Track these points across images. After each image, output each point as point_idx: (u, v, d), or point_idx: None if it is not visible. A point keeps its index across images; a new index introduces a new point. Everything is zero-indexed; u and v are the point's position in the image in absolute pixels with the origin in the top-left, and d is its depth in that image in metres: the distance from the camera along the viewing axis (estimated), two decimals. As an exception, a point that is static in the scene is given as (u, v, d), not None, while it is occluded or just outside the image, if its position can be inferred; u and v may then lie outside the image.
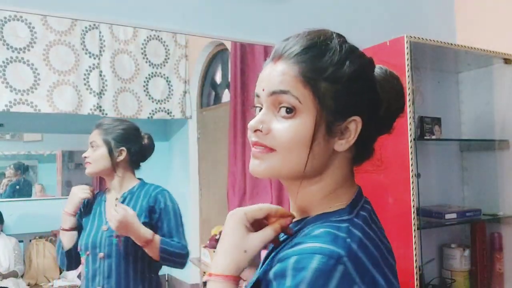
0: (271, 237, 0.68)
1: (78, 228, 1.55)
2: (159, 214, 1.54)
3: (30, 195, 1.99)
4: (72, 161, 2.06)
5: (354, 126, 0.66)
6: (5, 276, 1.81)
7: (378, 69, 0.74)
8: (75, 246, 1.54)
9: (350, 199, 0.69)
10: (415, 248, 1.70)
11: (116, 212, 1.39)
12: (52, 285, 1.89)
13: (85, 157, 1.54)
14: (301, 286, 0.56)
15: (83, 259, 1.52)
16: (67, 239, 1.53)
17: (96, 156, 1.53)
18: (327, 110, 0.64)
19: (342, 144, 0.67)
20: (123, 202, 1.53)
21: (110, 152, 1.53)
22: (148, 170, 1.82)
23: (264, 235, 0.67)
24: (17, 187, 1.98)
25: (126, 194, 1.56)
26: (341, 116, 0.65)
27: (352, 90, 0.66)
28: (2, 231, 1.89)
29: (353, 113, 0.66)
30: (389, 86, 0.71)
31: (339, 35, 0.74)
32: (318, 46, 0.68)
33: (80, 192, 1.54)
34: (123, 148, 1.54)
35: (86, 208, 1.58)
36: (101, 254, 1.48)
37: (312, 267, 0.56)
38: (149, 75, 1.74)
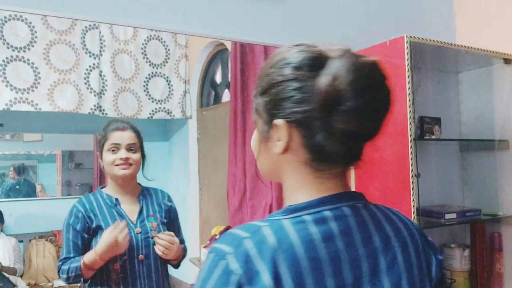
0: None
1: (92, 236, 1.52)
2: (171, 214, 1.65)
3: (31, 196, 1.99)
4: (72, 161, 2.06)
5: (276, 130, 0.68)
6: (3, 270, 1.81)
7: (337, 64, 0.65)
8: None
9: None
10: (415, 248, 1.69)
11: (162, 240, 1.49)
12: (52, 285, 1.89)
13: (126, 158, 1.53)
14: (197, 283, 0.63)
15: (117, 265, 1.48)
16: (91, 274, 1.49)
17: (137, 159, 1.57)
18: (261, 120, 0.72)
19: (277, 146, 0.69)
20: (141, 206, 1.59)
21: (143, 157, 1.60)
22: (148, 170, 1.82)
23: None
24: (17, 187, 1.98)
25: (140, 197, 1.61)
26: (267, 123, 0.70)
27: (272, 97, 0.69)
28: (2, 231, 1.89)
29: (277, 117, 0.68)
30: (346, 82, 0.63)
31: (290, 47, 0.73)
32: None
33: (120, 235, 1.45)
34: (144, 150, 1.61)
35: (92, 215, 1.53)
36: (141, 257, 1.51)
37: (205, 265, 0.63)
38: (149, 75, 1.74)
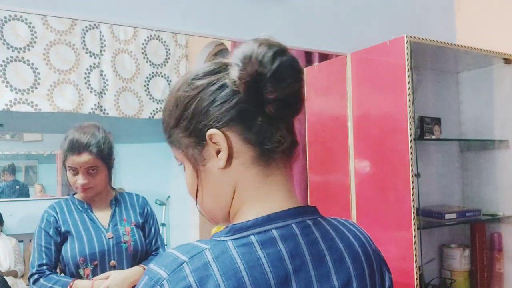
0: None
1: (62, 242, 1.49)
2: (146, 218, 1.61)
3: (23, 196, 1.98)
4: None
5: (211, 144, 0.64)
6: (4, 275, 1.81)
7: (240, 50, 0.65)
8: None
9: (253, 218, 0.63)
10: (415, 248, 1.70)
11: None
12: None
13: (84, 184, 1.47)
14: None
15: (87, 270, 1.46)
16: None
17: (98, 182, 1.51)
18: (188, 150, 0.67)
19: (221, 159, 0.64)
20: (114, 210, 1.56)
21: (110, 170, 1.55)
22: (149, 171, 1.83)
23: None
24: (17, 187, 1.98)
25: (113, 202, 1.58)
26: (198, 143, 0.65)
27: (191, 116, 0.65)
28: (1, 231, 1.89)
29: (207, 129, 0.64)
30: (257, 60, 0.62)
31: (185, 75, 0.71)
32: None
33: None
34: (113, 158, 1.56)
35: (62, 221, 1.50)
36: (112, 262, 1.49)
37: (139, 287, 0.59)
38: (149, 74, 1.74)
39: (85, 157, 1.46)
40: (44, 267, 1.44)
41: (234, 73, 0.63)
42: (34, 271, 1.43)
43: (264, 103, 0.62)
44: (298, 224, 0.63)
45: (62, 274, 1.48)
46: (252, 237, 0.60)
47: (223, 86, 0.64)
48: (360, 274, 0.66)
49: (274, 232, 0.61)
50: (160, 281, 0.56)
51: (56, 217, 1.48)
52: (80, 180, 1.47)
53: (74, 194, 1.58)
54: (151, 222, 1.63)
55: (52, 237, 1.46)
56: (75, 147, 1.46)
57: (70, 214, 1.50)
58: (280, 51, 0.65)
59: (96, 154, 1.47)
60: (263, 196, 0.64)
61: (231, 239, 0.60)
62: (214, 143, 0.64)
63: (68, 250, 1.46)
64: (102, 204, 1.55)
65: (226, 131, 0.63)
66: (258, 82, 0.61)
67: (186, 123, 0.66)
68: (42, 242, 1.45)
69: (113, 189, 1.61)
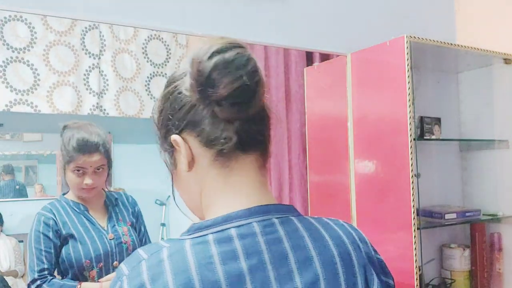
0: None
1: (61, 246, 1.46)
2: (137, 217, 1.62)
3: (20, 196, 1.98)
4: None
5: (175, 150, 0.67)
6: (4, 275, 1.81)
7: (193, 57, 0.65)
8: None
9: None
10: (415, 248, 1.70)
11: None
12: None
13: (91, 184, 1.45)
14: None
15: (93, 273, 1.44)
16: None
17: (103, 180, 1.50)
18: (168, 156, 0.71)
19: (182, 162, 0.67)
20: (110, 211, 1.56)
21: (110, 170, 1.54)
22: (149, 171, 1.83)
23: None
24: (17, 187, 1.98)
25: (107, 203, 1.57)
26: (167, 150, 0.69)
27: (163, 124, 0.69)
28: (1, 231, 1.89)
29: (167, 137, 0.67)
30: (202, 61, 0.62)
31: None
32: None
33: None
34: (111, 162, 1.55)
35: (62, 224, 1.47)
36: (115, 263, 1.48)
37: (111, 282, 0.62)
38: (150, 74, 1.73)
39: (96, 157, 1.44)
40: (46, 272, 1.40)
41: (186, 78, 0.64)
42: (36, 276, 1.39)
43: (211, 105, 0.62)
44: (260, 223, 0.62)
45: (61, 278, 1.47)
46: (210, 235, 0.60)
47: (180, 93, 0.65)
48: (331, 275, 0.62)
49: (232, 231, 0.61)
50: (121, 277, 0.60)
51: (55, 219, 1.45)
52: (87, 180, 1.44)
53: (64, 194, 1.55)
54: (141, 221, 1.63)
55: (52, 240, 1.42)
56: (86, 147, 1.43)
57: (68, 216, 1.47)
58: (220, 49, 0.63)
59: (104, 153, 1.47)
60: (225, 196, 0.65)
61: (190, 238, 0.61)
62: (178, 147, 0.66)
63: (71, 253, 1.43)
64: (97, 205, 1.54)
65: (186, 136, 0.65)
66: (201, 83, 0.61)
67: (160, 131, 0.70)
68: (42, 246, 1.41)
69: (102, 189, 1.60)
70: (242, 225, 0.61)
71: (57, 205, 1.49)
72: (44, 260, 1.40)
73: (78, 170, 1.44)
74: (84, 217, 1.49)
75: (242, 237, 0.60)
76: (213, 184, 0.65)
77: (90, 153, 1.43)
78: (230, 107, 0.62)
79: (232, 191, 0.65)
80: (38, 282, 1.39)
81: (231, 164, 0.64)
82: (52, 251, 1.42)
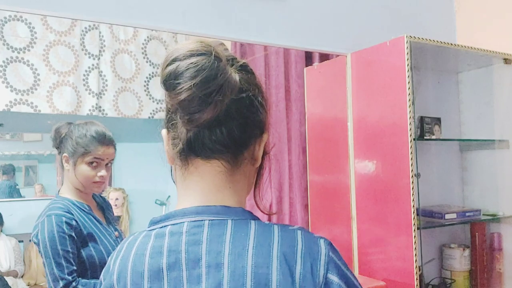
0: None
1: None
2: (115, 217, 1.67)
3: (13, 196, 1.98)
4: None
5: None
6: (4, 275, 1.81)
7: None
8: None
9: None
10: (415, 248, 1.70)
11: None
12: (52, 285, 1.88)
13: (105, 177, 1.46)
14: None
15: None
16: None
17: (109, 175, 1.51)
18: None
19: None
20: (103, 209, 1.56)
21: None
22: (149, 171, 1.83)
23: None
24: (17, 187, 1.98)
25: (97, 202, 1.56)
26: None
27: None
28: (1, 231, 1.89)
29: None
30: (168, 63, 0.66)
31: None
32: None
33: None
34: None
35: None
36: None
37: None
38: (149, 74, 1.74)
39: (111, 149, 1.47)
40: (75, 274, 1.37)
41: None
42: (70, 278, 1.35)
43: (176, 110, 0.65)
44: (191, 223, 0.63)
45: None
46: (155, 230, 0.66)
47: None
48: (237, 285, 0.59)
49: (168, 228, 0.64)
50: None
51: (76, 220, 1.41)
52: (102, 172, 1.45)
53: (58, 192, 1.51)
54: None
55: (76, 242, 1.39)
56: (104, 139, 1.45)
57: (81, 216, 1.45)
58: (178, 57, 0.63)
59: (115, 147, 1.50)
60: (182, 195, 0.68)
61: (146, 230, 0.68)
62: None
63: (94, 254, 1.41)
64: (93, 204, 1.54)
65: (168, 133, 0.70)
66: (164, 87, 0.65)
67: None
68: (69, 247, 1.36)
69: None
70: (178, 223, 0.64)
71: (69, 205, 1.45)
72: (73, 262, 1.37)
73: (93, 162, 1.44)
74: (92, 216, 1.49)
75: (171, 234, 0.63)
76: (178, 183, 0.70)
77: (108, 145, 1.46)
78: (183, 115, 0.64)
79: (186, 191, 0.68)
80: (73, 284, 1.36)
81: (188, 166, 0.67)
82: (75, 251, 1.39)
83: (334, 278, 0.61)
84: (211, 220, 0.63)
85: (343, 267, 0.63)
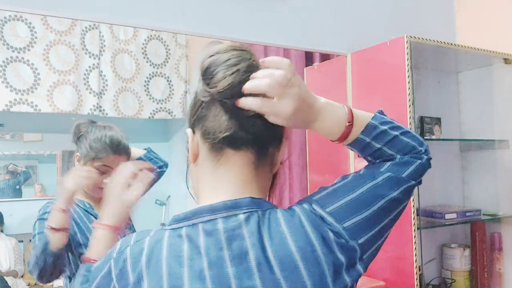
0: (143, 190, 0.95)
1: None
2: None
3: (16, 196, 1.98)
4: (72, 161, 2.06)
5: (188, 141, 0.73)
6: (4, 275, 1.81)
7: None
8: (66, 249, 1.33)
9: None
10: (415, 248, 1.70)
11: None
12: (52, 285, 1.88)
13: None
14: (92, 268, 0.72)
15: None
16: (59, 238, 1.25)
17: None
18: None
19: (189, 155, 0.72)
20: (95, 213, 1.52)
21: None
22: (148, 170, 1.82)
23: (138, 191, 0.95)
24: (17, 187, 1.98)
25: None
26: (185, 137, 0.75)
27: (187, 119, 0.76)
28: (2, 231, 1.89)
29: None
30: (209, 63, 0.68)
31: None
32: None
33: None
34: None
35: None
36: None
37: (103, 256, 0.71)
38: (149, 74, 1.74)
39: (123, 158, 1.42)
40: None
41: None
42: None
43: (214, 101, 0.66)
44: (226, 219, 0.63)
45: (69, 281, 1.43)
46: (184, 229, 0.64)
47: (196, 93, 0.70)
48: (290, 274, 0.60)
49: (200, 226, 0.63)
50: (111, 259, 0.68)
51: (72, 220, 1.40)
52: (108, 179, 1.41)
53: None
54: None
55: (67, 245, 1.36)
56: (118, 148, 1.40)
57: (79, 216, 1.43)
58: (219, 50, 0.67)
59: (127, 156, 1.45)
60: (211, 189, 0.68)
61: (169, 229, 0.65)
62: (189, 140, 0.71)
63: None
64: (92, 202, 1.53)
65: (196, 130, 0.70)
66: (202, 78, 0.67)
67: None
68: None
69: None
70: (209, 220, 0.63)
71: (79, 211, 1.44)
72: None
73: (102, 169, 1.40)
74: (93, 215, 1.48)
75: (206, 234, 0.62)
76: (205, 177, 0.69)
77: (120, 154, 1.41)
78: (224, 103, 0.65)
79: (215, 185, 0.67)
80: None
81: (221, 159, 0.67)
82: (68, 256, 1.38)
83: (323, 210, 0.66)
84: (245, 213, 0.63)
85: (317, 196, 0.70)
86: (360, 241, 0.65)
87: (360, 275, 0.65)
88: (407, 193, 0.70)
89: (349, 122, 0.70)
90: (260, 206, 0.65)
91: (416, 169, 0.72)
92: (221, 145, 0.66)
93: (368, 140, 0.71)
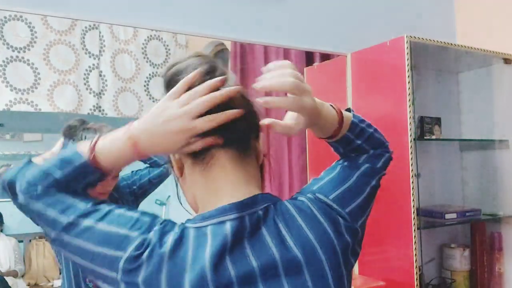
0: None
1: None
2: None
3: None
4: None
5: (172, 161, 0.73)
6: (4, 275, 1.81)
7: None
8: None
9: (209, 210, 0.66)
10: (415, 248, 1.70)
11: None
12: (52, 285, 1.88)
13: (110, 190, 1.37)
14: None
15: None
16: None
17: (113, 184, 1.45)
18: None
19: (174, 170, 0.72)
20: (116, 201, 1.53)
21: None
22: (148, 170, 1.82)
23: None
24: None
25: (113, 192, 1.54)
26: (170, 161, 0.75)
27: None
28: (1, 231, 1.88)
29: None
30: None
31: None
32: None
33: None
34: None
35: None
36: None
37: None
38: (149, 74, 1.74)
39: None
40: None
41: None
42: None
43: None
44: (234, 221, 0.63)
45: None
46: (209, 227, 0.63)
47: None
48: (314, 262, 0.63)
49: (209, 229, 0.62)
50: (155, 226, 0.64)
51: None
52: (112, 182, 1.33)
53: None
54: None
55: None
56: None
57: None
58: (184, 59, 0.69)
59: None
60: (210, 193, 0.67)
61: (193, 227, 0.63)
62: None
63: None
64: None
65: None
66: (168, 88, 0.68)
67: None
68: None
69: None
70: (217, 223, 0.63)
71: None
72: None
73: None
74: None
75: (214, 235, 0.62)
76: (197, 183, 0.68)
77: None
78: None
79: (212, 187, 0.67)
80: None
81: (209, 161, 0.67)
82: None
83: (327, 198, 0.70)
84: (248, 213, 0.64)
85: (316, 187, 0.73)
86: (358, 224, 0.71)
87: (358, 257, 0.71)
88: (379, 181, 0.78)
89: (340, 120, 0.75)
90: (271, 200, 0.67)
91: (385, 161, 0.79)
92: (205, 148, 0.66)
93: (352, 137, 0.78)
